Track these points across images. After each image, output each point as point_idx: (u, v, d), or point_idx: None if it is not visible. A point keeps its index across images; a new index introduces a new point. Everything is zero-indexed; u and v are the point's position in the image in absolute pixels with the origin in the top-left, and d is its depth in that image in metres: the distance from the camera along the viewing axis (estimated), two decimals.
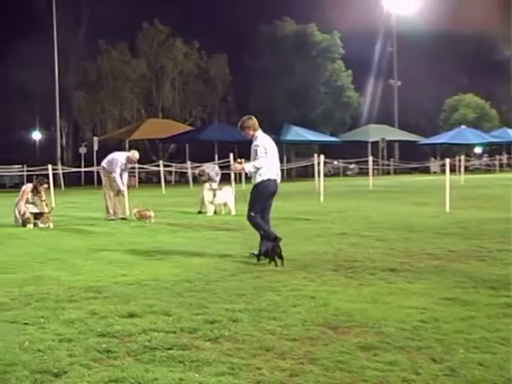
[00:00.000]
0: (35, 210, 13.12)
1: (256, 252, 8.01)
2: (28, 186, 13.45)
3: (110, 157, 14.37)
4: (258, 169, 8.14)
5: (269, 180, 8.22)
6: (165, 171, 33.44)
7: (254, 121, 8.32)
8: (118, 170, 14.01)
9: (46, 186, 13.49)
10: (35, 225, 12.86)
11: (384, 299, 5.75)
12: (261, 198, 8.22)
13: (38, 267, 7.92)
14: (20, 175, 39.61)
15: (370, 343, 4.51)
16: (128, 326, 5.04)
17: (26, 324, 5.13)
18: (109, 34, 47.60)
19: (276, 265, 7.54)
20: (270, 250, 7.67)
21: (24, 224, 12.84)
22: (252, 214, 8.17)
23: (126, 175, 14.34)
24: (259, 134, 8.30)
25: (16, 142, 48.31)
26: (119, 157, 14.21)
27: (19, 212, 13.05)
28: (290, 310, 5.46)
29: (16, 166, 40.72)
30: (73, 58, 50.38)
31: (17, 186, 36.83)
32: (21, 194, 13.36)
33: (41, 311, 5.53)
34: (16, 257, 8.80)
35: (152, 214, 13.57)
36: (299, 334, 4.78)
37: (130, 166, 14.39)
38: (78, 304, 5.80)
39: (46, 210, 13.16)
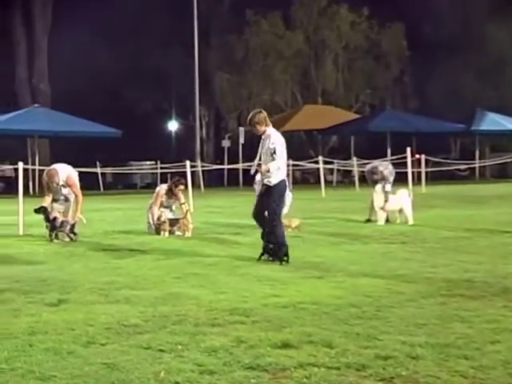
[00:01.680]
0: (170, 216, 13.73)
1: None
2: (162, 188, 14.09)
3: None
4: (275, 170, 9.45)
5: (283, 180, 9.62)
6: (325, 169, 33.65)
7: (265, 115, 9.47)
8: None
9: (182, 187, 14.04)
10: (171, 232, 13.46)
11: None
12: (281, 199, 9.70)
13: (173, 283, 8.25)
14: (153, 173, 41.75)
15: None
16: (281, 358, 5.11)
17: (161, 351, 5.36)
18: (258, 3, 48.63)
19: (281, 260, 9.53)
20: (274, 253, 9.64)
21: (158, 231, 13.48)
22: (277, 219, 9.68)
23: None
24: (271, 130, 9.42)
25: (149, 133, 50.65)
26: None
27: (152, 217, 13.71)
28: (485, 348, 5.27)
29: (148, 163, 42.90)
30: (215, 32, 52.12)
31: (149, 187, 38.82)
32: (154, 196, 14.03)
33: (178, 336, 5.75)
34: (148, 270, 9.26)
35: (297, 222, 13.69)
36: (499, 380, 4.59)
37: None
38: (221, 329, 5.97)
39: (186, 215, 13.71)
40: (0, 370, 4.89)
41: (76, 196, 13.17)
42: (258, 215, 9.90)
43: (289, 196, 14.21)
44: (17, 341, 5.61)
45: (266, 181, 9.55)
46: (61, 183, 13.12)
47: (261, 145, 9.49)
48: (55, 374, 4.80)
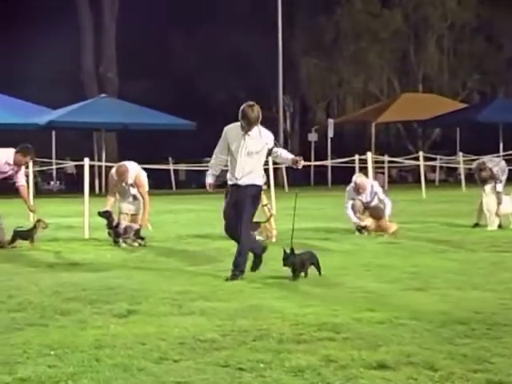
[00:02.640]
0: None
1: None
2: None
3: None
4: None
5: None
6: (426, 167, 33.26)
7: None
8: None
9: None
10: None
11: None
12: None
13: (254, 294, 8.31)
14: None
15: None
16: (377, 380, 5.08)
17: (241, 369, 5.39)
18: None
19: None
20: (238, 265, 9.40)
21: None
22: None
23: None
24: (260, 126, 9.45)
25: (225, 126, 50.97)
26: None
27: None
28: None
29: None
30: (301, 12, 52.06)
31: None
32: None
33: (260, 353, 5.78)
34: (227, 279, 9.34)
35: (395, 227, 13.61)
36: None
37: None
38: (308, 346, 5.97)
39: (268, 217, 13.77)
40: None
41: (143, 199, 13.39)
42: (235, 228, 9.54)
43: (387, 200, 14.15)
44: (83, 355, 5.75)
45: (256, 181, 9.51)
46: (130, 182, 13.37)
47: (245, 142, 9.37)
48: None
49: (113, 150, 41.02)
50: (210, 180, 9.70)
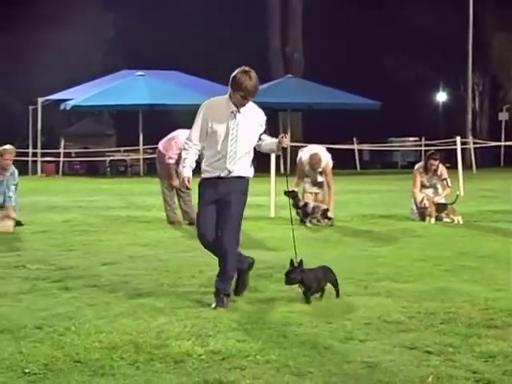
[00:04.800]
0: (441, 200, 13.54)
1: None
2: (420, 166, 13.99)
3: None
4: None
5: None
6: None
7: None
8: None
9: (434, 162, 13.73)
10: (438, 219, 13.32)
11: None
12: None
13: (442, 276, 8.20)
14: (416, 151, 41.43)
15: None
16: None
17: (428, 352, 5.34)
18: None
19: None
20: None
21: (422, 217, 13.39)
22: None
23: None
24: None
25: (411, 105, 50.21)
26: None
27: (415, 201, 13.63)
28: None
29: (411, 139, 42.65)
30: None
31: (411, 166, 38.10)
32: (413, 177, 13.96)
33: (448, 337, 5.70)
34: (413, 261, 9.24)
35: None
36: None
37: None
38: (499, 332, 5.83)
39: (444, 197, 13.53)
40: (254, 361, 5.14)
41: (328, 187, 13.39)
42: (214, 236, 7.11)
43: None
44: (270, 331, 5.86)
45: (246, 171, 7.19)
46: (319, 170, 13.41)
47: (236, 121, 6.95)
48: (311, 370, 4.96)
49: (298, 129, 41.33)
50: (186, 173, 7.07)
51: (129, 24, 44.63)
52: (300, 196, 13.31)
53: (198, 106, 7.16)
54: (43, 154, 36.63)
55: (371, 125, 41.72)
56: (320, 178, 13.50)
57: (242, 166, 7.05)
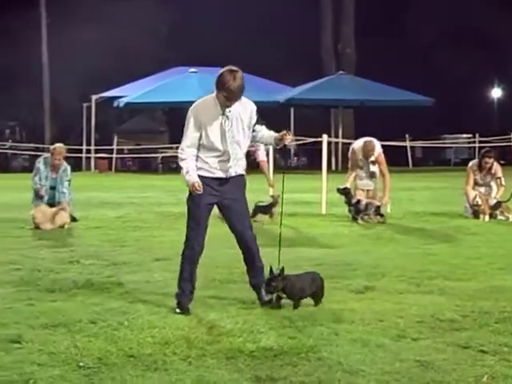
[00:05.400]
0: (494, 201, 13.37)
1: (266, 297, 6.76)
2: (473, 164, 13.87)
3: None
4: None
5: None
6: None
7: None
8: None
9: (489, 160, 13.59)
10: (492, 216, 13.17)
11: None
12: None
13: (496, 275, 8.10)
14: (469, 148, 40.96)
15: None
16: None
17: (482, 352, 5.27)
18: None
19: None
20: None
21: (476, 215, 13.25)
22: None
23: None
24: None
25: (465, 102, 49.59)
26: None
27: (468, 199, 13.50)
28: None
29: (464, 136, 42.16)
30: None
31: (464, 163, 37.62)
32: (466, 174, 13.83)
33: (503, 336, 5.63)
34: (467, 259, 9.14)
35: None
36: None
37: None
38: None
39: (497, 197, 13.38)
40: (306, 358, 5.13)
41: (383, 176, 13.33)
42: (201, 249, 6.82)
43: None
44: (322, 328, 5.84)
45: (243, 169, 6.88)
46: (372, 159, 13.34)
47: (229, 121, 6.59)
48: (363, 368, 4.93)
49: (349, 126, 41.14)
50: (194, 178, 6.54)
51: (182, 21, 44.90)
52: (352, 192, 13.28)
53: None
54: (97, 151, 37.07)
55: (424, 121, 41.39)
56: (373, 168, 13.42)
57: (241, 164, 6.79)
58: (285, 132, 6.65)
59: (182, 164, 6.66)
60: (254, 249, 6.85)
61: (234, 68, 6.52)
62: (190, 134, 6.64)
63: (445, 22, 47.85)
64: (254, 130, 6.73)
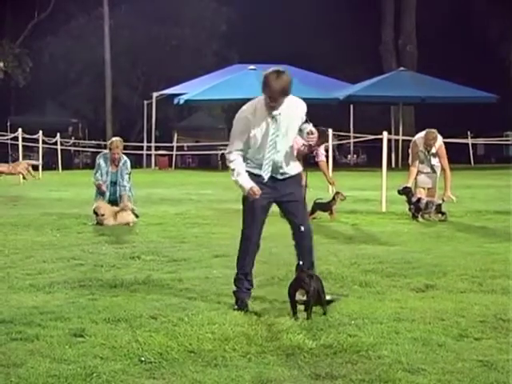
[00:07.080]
0: None
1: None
2: None
3: None
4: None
5: None
6: None
7: None
8: None
9: None
10: None
11: None
12: None
13: None
14: None
15: None
16: None
17: None
18: None
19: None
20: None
21: None
22: None
23: None
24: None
25: None
26: None
27: None
28: None
29: None
30: None
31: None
32: None
33: None
34: None
35: None
36: None
37: None
38: None
39: None
40: (366, 356, 5.11)
41: (444, 170, 13.17)
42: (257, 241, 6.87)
43: None
44: (382, 326, 5.81)
45: (293, 170, 6.74)
46: (433, 151, 13.17)
47: (278, 123, 6.49)
48: (424, 367, 4.89)
49: (410, 123, 40.76)
50: (250, 183, 6.49)
51: (241, 18, 45.00)
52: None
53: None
54: (157, 148, 37.37)
55: (486, 118, 40.77)
56: (433, 161, 13.26)
57: (293, 166, 6.66)
58: (308, 131, 6.45)
59: (231, 165, 6.61)
60: (308, 244, 6.77)
61: (281, 69, 6.51)
62: (238, 136, 6.58)
63: (510, 17, 47.07)
64: (300, 130, 6.53)
